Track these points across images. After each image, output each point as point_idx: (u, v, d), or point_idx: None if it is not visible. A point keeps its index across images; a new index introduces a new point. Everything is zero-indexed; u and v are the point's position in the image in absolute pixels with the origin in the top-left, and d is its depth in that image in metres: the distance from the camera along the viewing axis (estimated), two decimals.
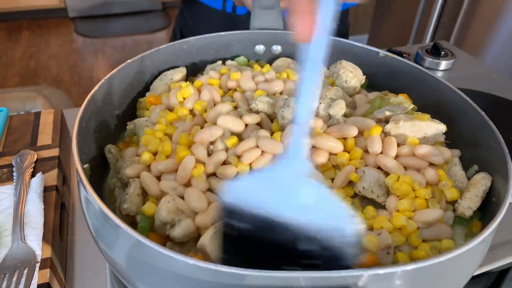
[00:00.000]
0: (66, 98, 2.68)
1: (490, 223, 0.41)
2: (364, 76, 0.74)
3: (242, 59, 0.80)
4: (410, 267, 0.35)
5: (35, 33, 3.51)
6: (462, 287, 0.45)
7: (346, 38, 1.05)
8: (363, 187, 0.51)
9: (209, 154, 0.55)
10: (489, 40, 1.67)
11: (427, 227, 0.47)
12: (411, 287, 0.37)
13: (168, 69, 0.73)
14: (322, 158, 0.53)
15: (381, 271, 0.34)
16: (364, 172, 0.51)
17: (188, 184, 0.52)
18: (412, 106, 0.62)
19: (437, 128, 0.56)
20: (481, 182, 0.52)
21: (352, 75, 0.70)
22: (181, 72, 0.72)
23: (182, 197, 0.50)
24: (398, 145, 0.54)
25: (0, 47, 3.27)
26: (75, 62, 3.16)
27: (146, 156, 0.55)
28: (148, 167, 0.55)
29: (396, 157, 0.53)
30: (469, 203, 0.50)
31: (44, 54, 3.22)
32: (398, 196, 0.49)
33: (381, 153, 0.53)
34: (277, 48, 0.82)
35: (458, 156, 0.59)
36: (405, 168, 0.52)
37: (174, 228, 0.48)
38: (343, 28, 1.22)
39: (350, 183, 0.53)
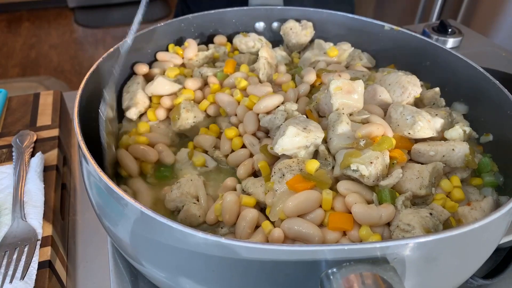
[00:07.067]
0: (67, 88, 2.66)
1: None
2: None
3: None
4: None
5: (35, 24, 3.48)
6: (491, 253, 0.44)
7: None
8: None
9: None
10: (497, 20, 1.63)
11: None
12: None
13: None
14: None
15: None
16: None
17: None
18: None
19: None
20: None
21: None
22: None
23: None
24: None
25: (1, 38, 3.24)
26: (76, 52, 3.13)
27: None
28: None
29: None
30: None
31: (44, 45, 3.19)
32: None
33: None
34: (278, 25, 0.79)
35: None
36: None
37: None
38: (348, 7, 1.19)
39: None
